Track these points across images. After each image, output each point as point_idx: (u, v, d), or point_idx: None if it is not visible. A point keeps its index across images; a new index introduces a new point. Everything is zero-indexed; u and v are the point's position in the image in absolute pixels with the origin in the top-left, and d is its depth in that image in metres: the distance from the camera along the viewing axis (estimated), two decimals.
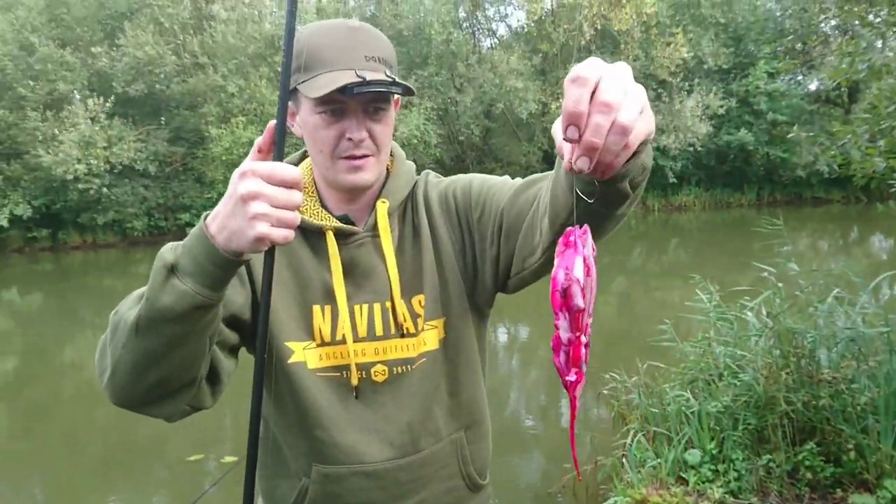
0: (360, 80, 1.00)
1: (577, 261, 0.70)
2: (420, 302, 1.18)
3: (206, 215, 0.88)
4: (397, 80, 1.04)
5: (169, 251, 0.89)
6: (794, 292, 3.84)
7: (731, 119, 23.10)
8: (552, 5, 23.33)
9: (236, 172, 0.85)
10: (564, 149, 0.67)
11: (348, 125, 1.06)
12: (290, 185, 0.84)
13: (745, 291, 4.22)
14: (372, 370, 1.15)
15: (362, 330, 1.14)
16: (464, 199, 1.22)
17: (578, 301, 0.70)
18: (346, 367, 1.14)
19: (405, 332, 1.15)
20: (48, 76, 19.87)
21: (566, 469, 3.96)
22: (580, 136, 0.63)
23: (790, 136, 5.59)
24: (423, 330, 1.17)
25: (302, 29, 1.06)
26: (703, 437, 3.45)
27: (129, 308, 0.93)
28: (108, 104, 19.72)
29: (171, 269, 0.87)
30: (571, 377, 0.75)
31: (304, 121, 1.09)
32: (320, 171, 1.13)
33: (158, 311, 0.87)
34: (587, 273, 0.70)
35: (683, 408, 3.65)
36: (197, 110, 21.24)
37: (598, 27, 21.79)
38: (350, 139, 1.07)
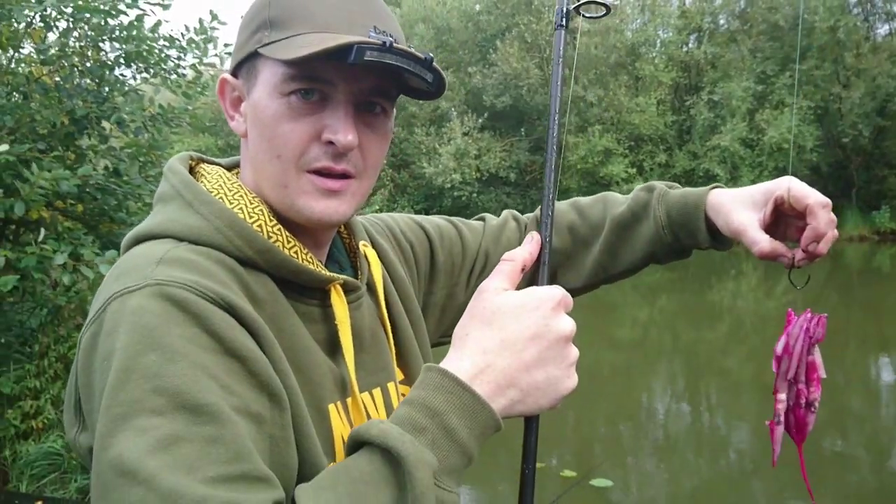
0: (377, 41, 0.70)
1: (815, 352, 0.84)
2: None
3: (446, 373, 0.64)
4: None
5: (422, 450, 0.60)
6: None
7: None
8: None
9: (524, 302, 0.68)
10: (780, 248, 0.87)
11: (329, 121, 0.75)
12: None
13: None
14: None
15: None
16: (418, 238, 1.07)
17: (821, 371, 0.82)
18: None
19: None
20: None
21: None
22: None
23: None
24: None
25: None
26: None
27: None
28: (480, 120, 22.72)
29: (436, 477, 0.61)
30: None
31: (257, 107, 0.76)
32: (268, 187, 0.78)
33: None
34: (786, 350, 0.81)
35: None
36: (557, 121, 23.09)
37: None
38: (330, 142, 0.75)
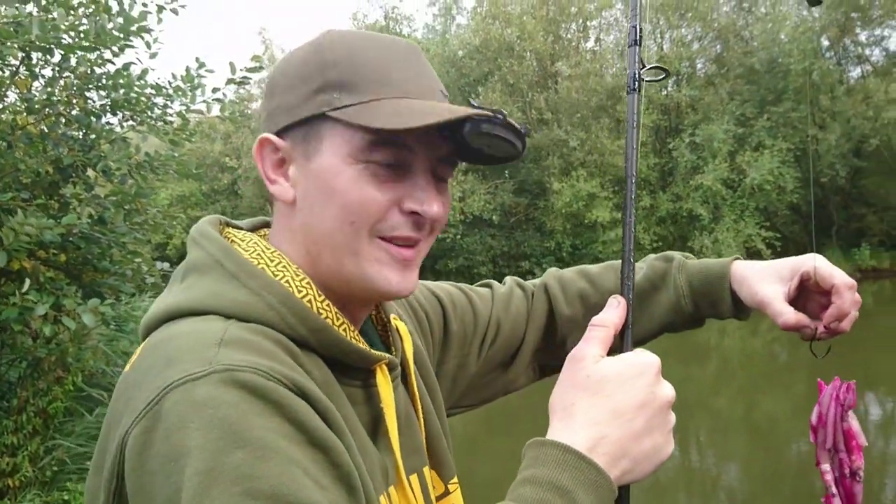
0: (486, 113, 0.70)
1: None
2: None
3: (568, 448, 0.63)
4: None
5: None
6: None
7: None
8: None
9: (625, 370, 0.67)
10: (804, 321, 0.93)
11: (412, 191, 0.73)
12: None
13: None
14: None
15: None
16: (433, 306, 1.04)
17: (861, 439, 0.83)
18: None
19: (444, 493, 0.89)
20: None
21: None
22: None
23: None
24: (451, 492, 0.90)
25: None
26: None
27: None
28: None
29: None
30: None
31: (326, 172, 0.72)
32: (331, 256, 0.73)
33: None
34: (821, 421, 0.83)
35: None
36: (540, 163, 23.28)
37: None
38: (413, 212, 0.73)
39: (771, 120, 21.26)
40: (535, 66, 23.98)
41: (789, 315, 0.92)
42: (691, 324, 1.07)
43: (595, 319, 0.74)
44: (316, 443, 0.59)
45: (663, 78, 0.88)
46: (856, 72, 23.72)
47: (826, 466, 0.80)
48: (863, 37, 23.23)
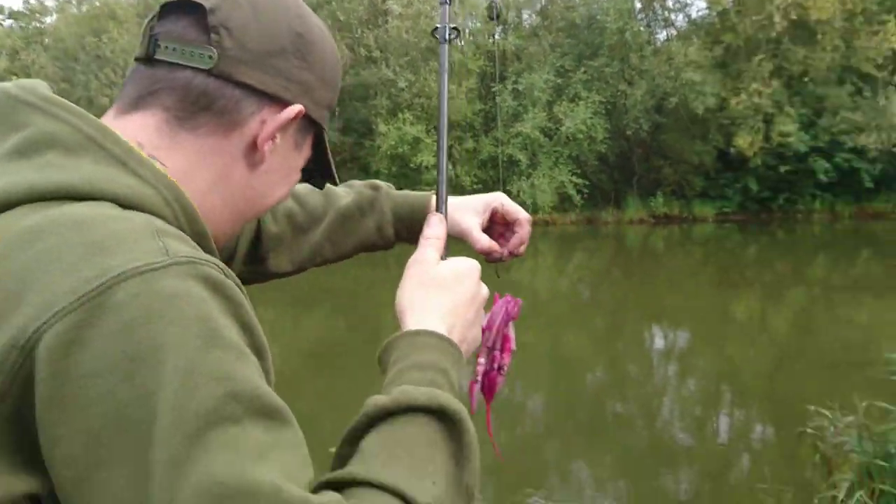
0: None
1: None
2: None
3: (442, 337, 0.74)
4: None
5: (461, 403, 0.69)
6: None
7: None
8: None
9: (459, 270, 0.82)
10: (495, 247, 1.09)
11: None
12: None
13: None
14: None
15: None
16: None
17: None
18: None
19: None
20: None
21: None
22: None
23: None
24: None
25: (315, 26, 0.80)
26: None
27: None
28: None
29: None
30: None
31: (296, 163, 0.81)
32: (237, 213, 0.77)
33: None
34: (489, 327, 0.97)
35: None
36: (367, 102, 23.10)
37: (794, 17, 20.99)
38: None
39: (587, 73, 22.62)
40: (367, 2, 23.46)
41: (484, 241, 1.07)
42: (385, 247, 1.20)
43: (427, 233, 0.87)
44: (258, 347, 0.59)
45: (457, 37, 1.00)
46: (662, 34, 25.84)
47: (482, 360, 0.94)
48: (670, 2, 25.29)
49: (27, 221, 0.57)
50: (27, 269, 0.54)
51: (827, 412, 3.86)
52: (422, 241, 0.86)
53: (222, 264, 0.60)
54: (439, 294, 0.79)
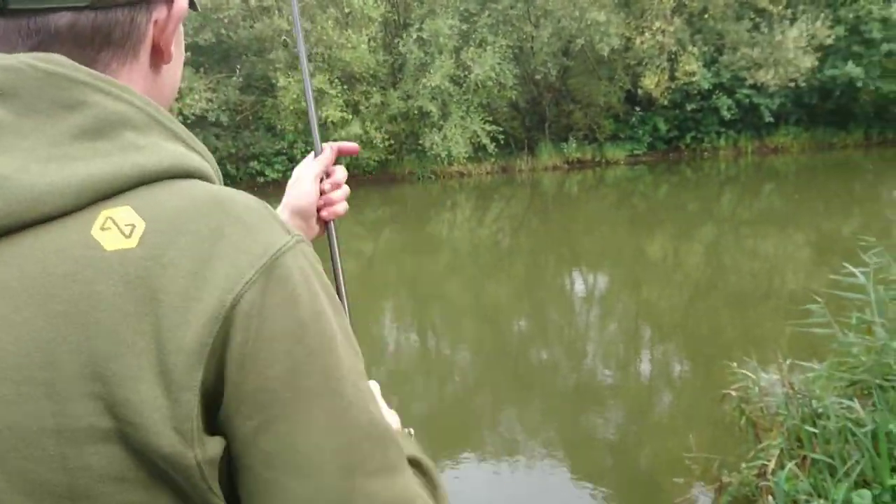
0: None
1: None
2: None
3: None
4: None
5: None
6: None
7: (837, 51, 22.42)
8: None
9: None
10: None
11: None
12: None
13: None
14: None
15: None
16: None
17: None
18: None
19: None
20: None
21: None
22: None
23: None
24: None
25: None
26: (881, 469, 2.77)
27: None
28: None
29: None
30: None
31: (179, 37, 0.75)
32: (168, 95, 0.76)
33: None
34: None
35: (849, 424, 2.97)
36: (265, 56, 22.22)
37: None
38: None
39: (492, 16, 22.47)
40: None
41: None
42: None
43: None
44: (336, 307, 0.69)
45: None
46: None
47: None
48: None
49: (172, 203, 0.59)
50: (197, 249, 0.57)
51: (749, 373, 3.75)
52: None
53: None
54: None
